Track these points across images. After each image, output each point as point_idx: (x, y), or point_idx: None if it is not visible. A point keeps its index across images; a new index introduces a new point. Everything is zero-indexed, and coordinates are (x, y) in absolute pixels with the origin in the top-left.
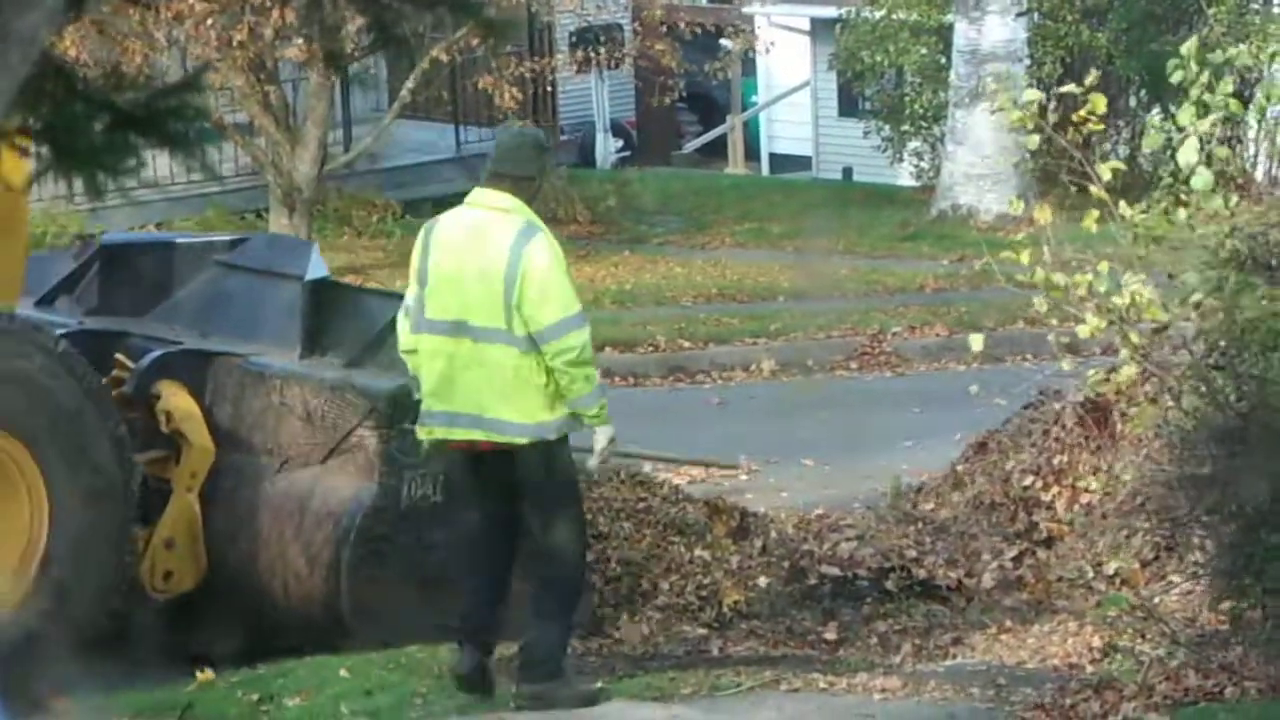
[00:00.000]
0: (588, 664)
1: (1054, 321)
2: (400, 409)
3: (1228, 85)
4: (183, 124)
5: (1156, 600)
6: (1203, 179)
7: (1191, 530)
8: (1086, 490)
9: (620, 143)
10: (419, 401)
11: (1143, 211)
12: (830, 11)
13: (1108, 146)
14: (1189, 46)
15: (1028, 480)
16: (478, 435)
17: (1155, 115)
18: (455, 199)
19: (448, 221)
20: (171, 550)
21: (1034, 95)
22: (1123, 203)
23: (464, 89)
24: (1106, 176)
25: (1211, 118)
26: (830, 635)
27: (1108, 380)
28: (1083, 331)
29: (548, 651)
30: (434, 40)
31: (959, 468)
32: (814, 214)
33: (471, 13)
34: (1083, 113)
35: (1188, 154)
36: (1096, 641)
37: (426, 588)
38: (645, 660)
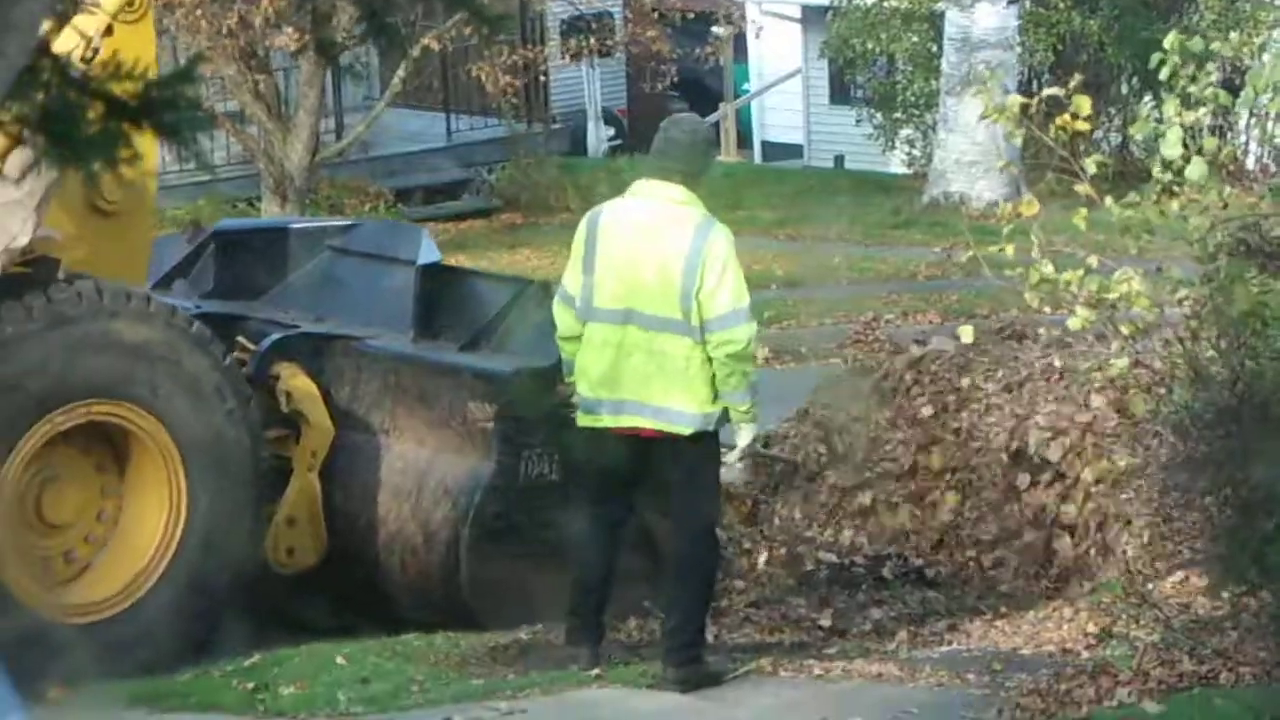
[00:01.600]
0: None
1: (1047, 310)
2: (516, 390)
3: (1211, 76)
4: (177, 114)
5: (1151, 586)
6: (1198, 170)
7: (1187, 516)
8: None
9: (612, 131)
10: (536, 383)
11: (1133, 205)
12: None
13: (1099, 134)
14: (1172, 39)
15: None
16: (643, 422)
17: (1147, 103)
18: (446, 187)
19: (617, 212)
20: (293, 527)
21: (1015, 100)
22: (1109, 199)
23: (455, 77)
24: (1092, 170)
25: (1201, 111)
26: (826, 622)
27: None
28: (1073, 324)
29: (692, 636)
30: (425, 29)
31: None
32: (806, 202)
33: (464, 3)
34: (1066, 116)
35: (1171, 147)
36: (1092, 627)
37: (543, 565)
38: (641, 647)
